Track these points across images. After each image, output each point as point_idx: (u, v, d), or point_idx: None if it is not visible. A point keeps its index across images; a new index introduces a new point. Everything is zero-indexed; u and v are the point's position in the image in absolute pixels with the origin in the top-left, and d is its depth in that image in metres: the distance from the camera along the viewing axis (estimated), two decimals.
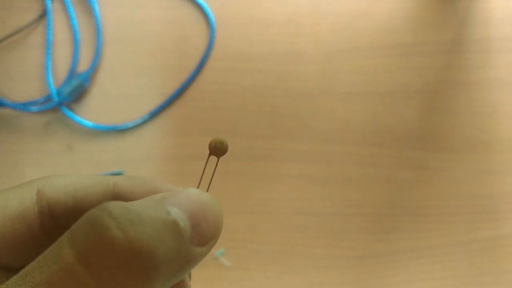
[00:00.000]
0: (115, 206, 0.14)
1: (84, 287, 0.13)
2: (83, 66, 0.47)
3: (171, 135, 0.46)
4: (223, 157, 0.19)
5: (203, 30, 0.48)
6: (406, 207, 0.45)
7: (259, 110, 0.46)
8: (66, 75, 0.47)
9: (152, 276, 0.14)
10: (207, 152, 0.19)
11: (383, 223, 0.45)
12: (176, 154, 0.46)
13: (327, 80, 0.47)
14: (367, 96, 0.47)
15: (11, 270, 0.17)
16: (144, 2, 0.49)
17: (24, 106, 0.46)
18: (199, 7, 0.48)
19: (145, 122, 0.46)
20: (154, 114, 0.47)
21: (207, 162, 0.19)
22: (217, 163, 0.19)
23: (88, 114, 0.47)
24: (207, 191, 0.17)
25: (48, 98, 0.46)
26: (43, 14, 0.48)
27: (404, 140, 0.46)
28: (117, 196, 0.18)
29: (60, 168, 0.46)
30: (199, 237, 0.15)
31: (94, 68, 0.47)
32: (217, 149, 0.19)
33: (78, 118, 0.46)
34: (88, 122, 0.46)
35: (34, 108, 0.46)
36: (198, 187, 0.17)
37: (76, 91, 0.46)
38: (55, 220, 0.18)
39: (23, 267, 0.14)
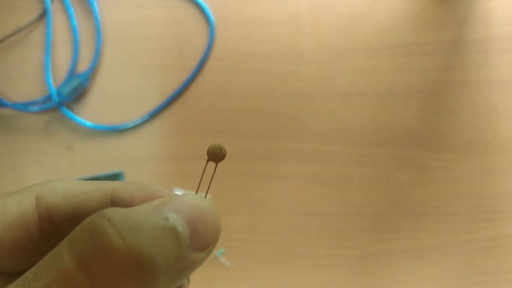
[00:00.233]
0: (115, 212, 0.14)
1: None
2: (83, 66, 0.47)
3: (171, 135, 0.47)
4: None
5: (203, 30, 0.48)
6: (406, 207, 0.45)
7: (259, 110, 0.46)
8: (66, 75, 0.47)
9: (151, 282, 0.14)
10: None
11: (383, 223, 0.45)
12: (176, 154, 0.46)
13: (327, 80, 0.47)
14: (367, 96, 0.47)
15: (11, 276, 0.17)
16: (144, 2, 0.48)
17: (24, 106, 0.46)
18: (199, 7, 0.48)
19: (145, 122, 0.46)
20: (154, 114, 0.47)
21: (205, 167, 0.19)
22: (215, 169, 0.19)
23: (88, 114, 0.47)
24: (205, 196, 0.17)
25: (48, 98, 0.46)
26: (43, 14, 0.48)
27: (404, 140, 0.46)
28: (116, 201, 0.18)
29: (60, 168, 0.46)
30: (197, 242, 0.15)
31: (94, 68, 0.47)
32: (215, 155, 0.19)
33: (78, 118, 0.46)
34: (88, 122, 0.46)
35: (34, 108, 0.46)
36: (196, 192, 0.17)
37: (76, 91, 0.46)
38: (54, 225, 0.18)
39: (22, 272, 0.14)
